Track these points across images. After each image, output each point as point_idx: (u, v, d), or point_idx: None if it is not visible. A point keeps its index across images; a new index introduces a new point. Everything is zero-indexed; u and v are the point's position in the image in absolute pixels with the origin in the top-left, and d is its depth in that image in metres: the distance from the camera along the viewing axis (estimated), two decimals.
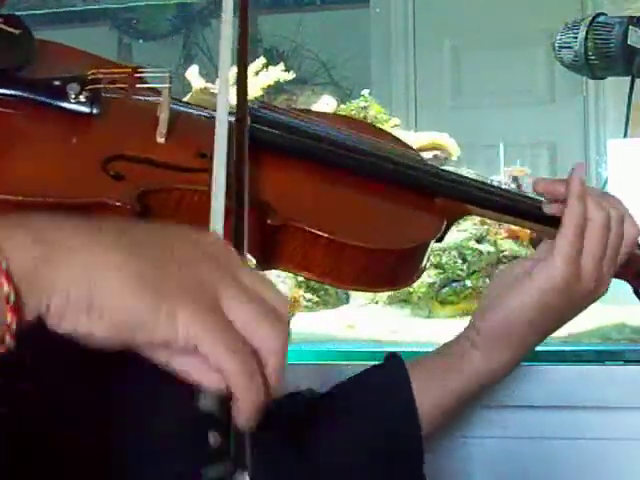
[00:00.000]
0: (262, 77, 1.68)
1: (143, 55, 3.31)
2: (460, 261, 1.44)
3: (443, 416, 0.89)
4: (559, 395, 1.10)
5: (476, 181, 0.87)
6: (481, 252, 1.45)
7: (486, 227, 1.45)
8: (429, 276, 1.40)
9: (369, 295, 1.45)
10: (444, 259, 1.41)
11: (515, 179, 1.69)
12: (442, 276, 1.44)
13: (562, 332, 0.92)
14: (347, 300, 1.51)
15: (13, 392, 0.64)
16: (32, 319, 0.47)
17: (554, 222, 0.82)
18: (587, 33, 1.46)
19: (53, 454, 0.68)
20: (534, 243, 1.19)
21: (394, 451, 0.86)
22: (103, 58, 0.81)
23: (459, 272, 1.43)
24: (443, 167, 0.95)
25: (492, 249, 1.46)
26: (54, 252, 0.47)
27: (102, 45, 3.10)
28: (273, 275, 1.25)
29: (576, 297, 0.82)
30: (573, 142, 3.01)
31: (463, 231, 1.44)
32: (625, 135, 1.48)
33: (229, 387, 0.49)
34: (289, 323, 0.52)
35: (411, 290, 1.40)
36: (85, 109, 0.73)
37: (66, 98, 0.72)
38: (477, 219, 1.43)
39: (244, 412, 0.50)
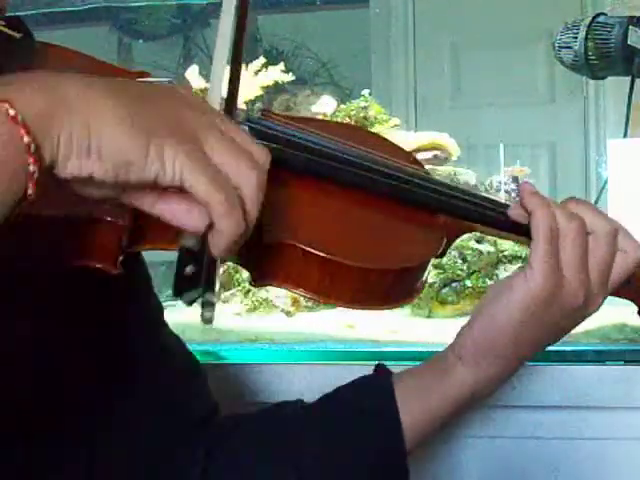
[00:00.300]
0: (262, 77, 1.68)
1: (143, 55, 3.30)
2: (460, 261, 1.44)
3: (431, 429, 0.87)
4: (559, 395, 1.10)
5: (481, 198, 0.83)
6: (481, 252, 1.45)
7: None
8: (429, 276, 1.40)
9: None
10: (444, 259, 1.41)
11: (515, 179, 1.69)
12: (442, 276, 1.44)
13: None
14: None
15: (13, 330, 0.73)
16: (48, 164, 0.53)
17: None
18: (587, 33, 1.46)
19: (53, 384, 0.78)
20: None
21: (378, 467, 0.86)
22: (104, 62, 0.80)
23: (459, 272, 1.43)
24: (441, 167, 0.93)
25: (492, 249, 1.46)
26: (57, 101, 0.53)
27: (102, 45, 3.10)
28: None
29: (567, 308, 0.79)
30: (573, 142, 3.00)
31: None
32: (625, 135, 1.48)
33: (211, 217, 0.55)
34: (266, 172, 0.58)
35: None
36: None
37: None
38: None
39: (222, 240, 0.56)
